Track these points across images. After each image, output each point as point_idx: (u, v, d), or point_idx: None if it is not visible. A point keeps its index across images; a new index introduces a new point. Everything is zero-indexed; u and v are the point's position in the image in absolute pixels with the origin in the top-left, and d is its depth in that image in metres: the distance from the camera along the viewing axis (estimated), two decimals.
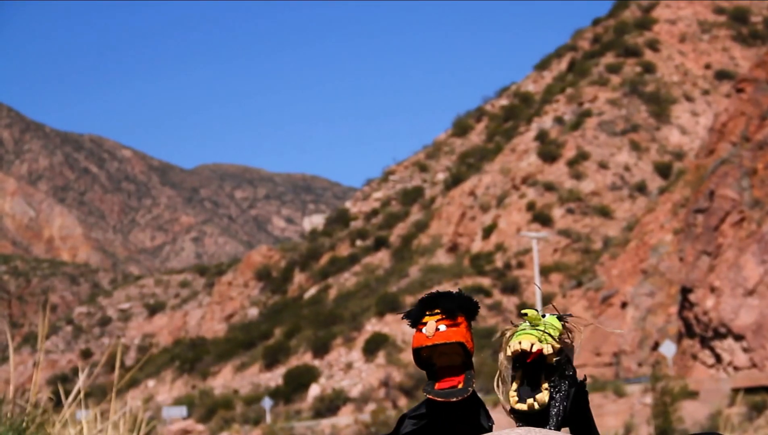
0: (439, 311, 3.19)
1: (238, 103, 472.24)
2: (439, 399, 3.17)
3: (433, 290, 3.30)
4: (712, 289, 39.15)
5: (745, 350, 35.42)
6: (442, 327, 3.17)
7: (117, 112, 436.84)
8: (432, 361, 3.23)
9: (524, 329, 3.22)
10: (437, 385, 3.21)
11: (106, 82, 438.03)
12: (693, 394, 31.02)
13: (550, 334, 3.18)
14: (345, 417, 50.47)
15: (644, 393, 35.15)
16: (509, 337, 3.25)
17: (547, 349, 3.14)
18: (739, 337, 36.21)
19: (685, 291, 39.27)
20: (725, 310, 37.21)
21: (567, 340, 3.19)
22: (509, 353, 3.20)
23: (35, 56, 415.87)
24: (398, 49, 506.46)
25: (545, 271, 59.81)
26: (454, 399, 3.16)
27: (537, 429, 3.07)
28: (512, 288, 62.49)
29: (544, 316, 3.25)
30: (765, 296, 37.11)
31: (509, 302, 61.70)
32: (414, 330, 3.27)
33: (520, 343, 3.17)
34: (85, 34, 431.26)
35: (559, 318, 3.22)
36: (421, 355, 3.22)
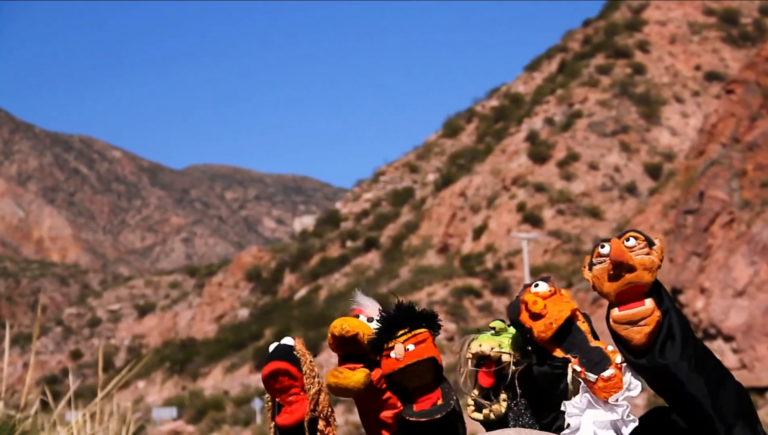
0: (403, 332, 3.18)
1: (228, 104, 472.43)
2: (423, 419, 3.15)
3: (393, 306, 3.29)
4: (702, 290, 39.22)
5: (735, 351, 35.50)
6: (411, 346, 3.16)
7: (107, 112, 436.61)
8: (404, 384, 3.21)
9: (490, 334, 3.23)
10: (416, 407, 3.20)
11: (96, 82, 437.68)
12: None
13: (513, 341, 3.19)
14: (336, 418, 50.36)
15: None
16: (470, 342, 3.26)
17: (506, 357, 3.15)
18: (728, 338, 36.30)
19: (675, 292, 39.32)
20: (715, 311, 37.29)
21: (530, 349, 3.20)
22: (470, 355, 3.21)
23: (25, 57, 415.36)
24: (388, 50, 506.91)
25: (535, 272, 59.80)
26: (438, 416, 3.15)
27: (527, 430, 3.07)
28: (502, 289, 62.47)
29: (505, 329, 3.26)
30: (755, 297, 37.19)
31: (499, 303, 61.71)
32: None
33: (480, 345, 3.18)
34: (75, 34, 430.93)
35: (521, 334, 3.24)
36: (393, 380, 3.21)
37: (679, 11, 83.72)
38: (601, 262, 3.13)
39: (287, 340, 3.54)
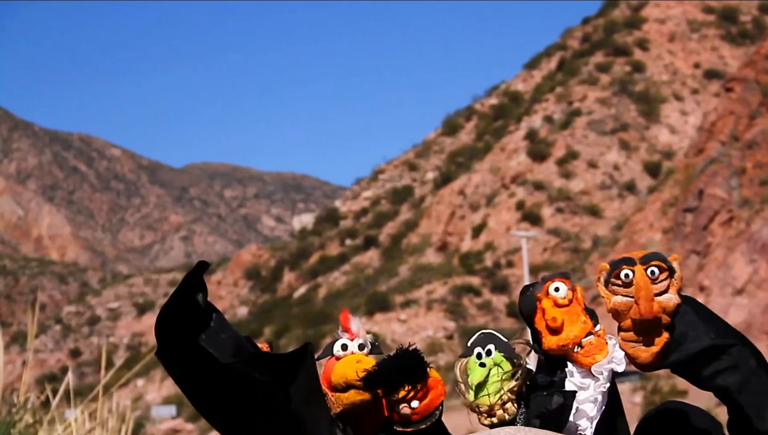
0: (404, 388, 3.17)
1: (227, 102, 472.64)
2: (409, 429, 3.16)
3: (378, 364, 3.24)
4: (702, 289, 39.25)
5: None
6: (415, 404, 3.16)
7: (106, 110, 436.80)
8: None
9: (478, 397, 3.19)
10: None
11: (96, 80, 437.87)
12: (682, 393, 31.08)
13: (504, 378, 3.16)
14: None
15: (634, 392, 35.22)
16: (463, 378, 3.22)
17: (507, 400, 3.14)
18: None
19: None
20: (714, 309, 36.93)
21: (522, 364, 3.17)
22: (467, 405, 3.20)
23: (24, 55, 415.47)
24: (388, 49, 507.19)
25: (535, 270, 59.83)
26: (423, 426, 3.16)
27: (526, 428, 3.06)
28: (502, 287, 62.52)
29: (490, 353, 3.21)
30: (754, 295, 37.21)
31: (499, 301, 61.75)
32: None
33: (478, 407, 3.16)
34: (74, 32, 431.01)
35: (506, 356, 3.19)
36: None
37: (678, 9, 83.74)
38: (622, 287, 3.04)
39: None
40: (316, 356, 3.25)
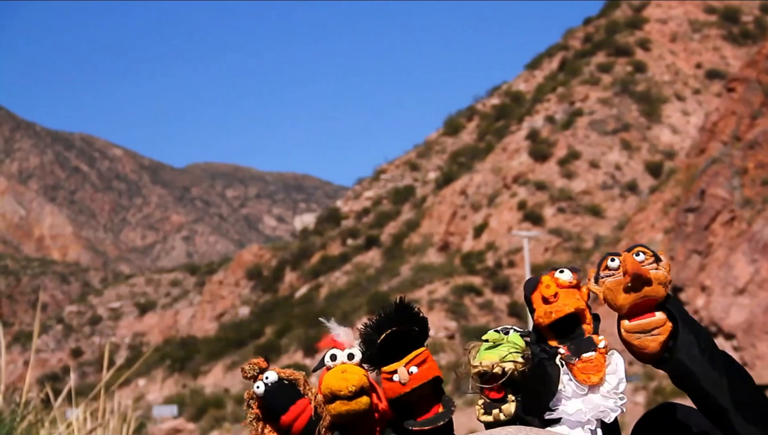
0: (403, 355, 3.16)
1: (229, 103, 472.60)
2: (426, 428, 3.15)
3: (378, 318, 3.25)
4: (703, 288, 39.24)
5: (736, 349, 35.49)
6: (414, 369, 3.14)
7: (107, 110, 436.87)
8: (404, 399, 3.20)
9: (486, 347, 3.20)
10: (419, 419, 3.20)
11: (97, 81, 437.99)
12: (683, 393, 31.10)
13: (513, 351, 3.16)
14: None
15: (636, 392, 35.21)
16: (473, 354, 3.23)
17: (510, 366, 3.13)
18: (729, 336, 36.30)
19: (676, 290, 39.30)
20: (716, 309, 37.30)
21: (530, 351, 3.18)
22: (473, 372, 3.19)
23: (26, 55, 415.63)
24: (390, 49, 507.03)
25: (536, 270, 59.72)
26: (441, 423, 3.16)
27: (527, 428, 3.06)
28: (503, 287, 62.48)
29: (507, 332, 3.23)
30: (755, 295, 37.19)
31: (500, 301, 61.70)
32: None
33: (480, 363, 3.16)
34: (76, 33, 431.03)
35: (522, 335, 3.21)
36: (397, 402, 3.20)
37: (680, 9, 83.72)
38: (611, 275, 3.10)
39: (271, 376, 3.42)
40: (312, 369, 3.26)
